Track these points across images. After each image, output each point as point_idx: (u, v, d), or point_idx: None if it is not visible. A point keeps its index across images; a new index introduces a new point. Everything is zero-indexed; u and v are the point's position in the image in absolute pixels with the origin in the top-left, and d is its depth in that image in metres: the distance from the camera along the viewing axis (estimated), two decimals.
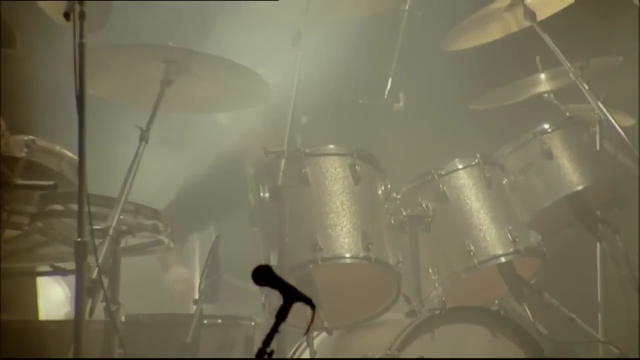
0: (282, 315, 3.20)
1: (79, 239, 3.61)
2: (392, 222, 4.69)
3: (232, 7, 5.91)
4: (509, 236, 4.78)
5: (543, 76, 5.44)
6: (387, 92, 5.04)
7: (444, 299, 4.60)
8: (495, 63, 5.86)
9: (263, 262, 4.43)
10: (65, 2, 3.70)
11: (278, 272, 2.99)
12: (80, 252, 3.60)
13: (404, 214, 4.76)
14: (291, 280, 4.30)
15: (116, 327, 4.01)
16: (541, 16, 5.33)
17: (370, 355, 4.39)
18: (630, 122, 5.62)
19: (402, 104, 5.02)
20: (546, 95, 5.47)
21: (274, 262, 4.30)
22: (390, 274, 4.55)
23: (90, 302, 3.77)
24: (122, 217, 4.09)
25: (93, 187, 3.78)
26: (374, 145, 4.92)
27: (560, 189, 5.07)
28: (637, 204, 5.24)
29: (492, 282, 4.94)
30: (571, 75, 5.19)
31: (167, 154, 5.79)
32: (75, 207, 3.68)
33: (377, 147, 4.91)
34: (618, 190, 5.19)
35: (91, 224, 3.68)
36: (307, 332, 4.24)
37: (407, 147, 6.45)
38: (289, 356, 4.61)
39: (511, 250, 4.78)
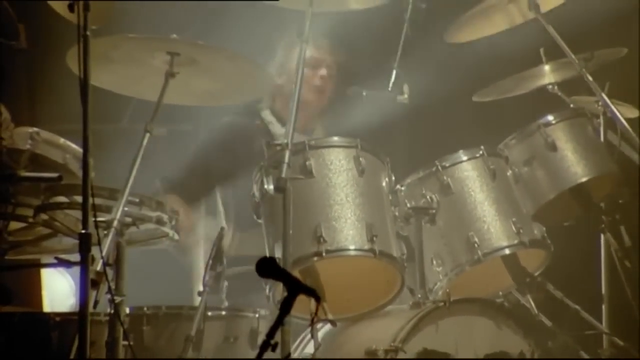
0: (286, 307, 3.21)
1: (83, 231, 3.62)
2: (396, 213, 4.69)
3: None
4: (513, 228, 4.78)
5: (547, 68, 5.44)
6: (391, 84, 5.04)
7: (447, 290, 4.60)
8: (499, 55, 5.85)
9: (267, 254, 4.47)
10: None
11: (282, 264, 3.00)
12: (85, 244, 3.61)
13: (408, 205, 4.76)
14: (295, 272, 4.32)
15: (120, 319, 4.02)
16: (545, 7, 5.32)
17: (374, 347, 4.39)
18: (634, 113, 5.61)
19: (406, 95, 5.02)
20: (550, 86, 5.47)
21: (278, 254, 4.29)
22: (395, 265, 4.55)
23: (94, 294, 3.77)
24: (126, 208, 4.09)
25: (97, 178, 3.79)
26: (377, 137, 4.92)
27: (564, 181, 5.07)
28: None
29: (496, 274, 4.94)
30: (575, 66, 5.19)
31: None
32: (79, 198, 3.69)
33: (381, 139, 4.91)
34: (622, 181, 5.18)
35: (95, 216, 3.69)
36: (312, 323, 4.24)
37: (411, 138, 6.45)
38: (292, 348, 4.61)
39: (515, 241, 4.78)
